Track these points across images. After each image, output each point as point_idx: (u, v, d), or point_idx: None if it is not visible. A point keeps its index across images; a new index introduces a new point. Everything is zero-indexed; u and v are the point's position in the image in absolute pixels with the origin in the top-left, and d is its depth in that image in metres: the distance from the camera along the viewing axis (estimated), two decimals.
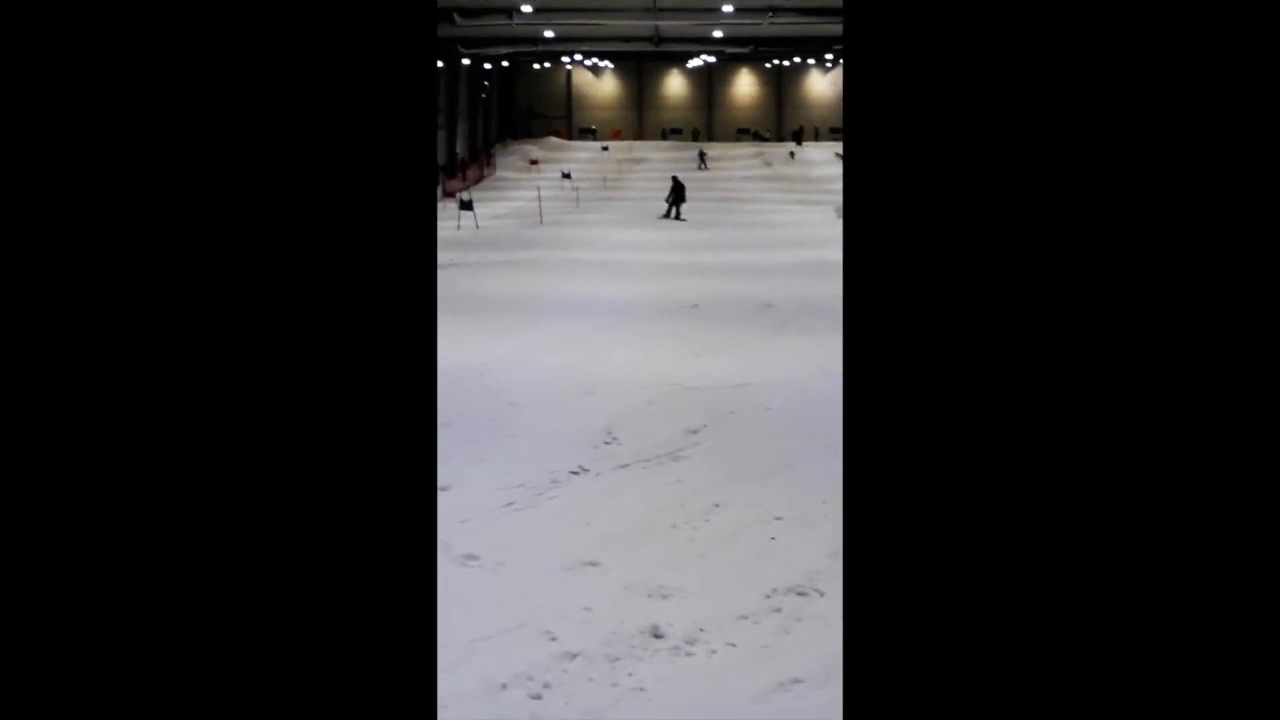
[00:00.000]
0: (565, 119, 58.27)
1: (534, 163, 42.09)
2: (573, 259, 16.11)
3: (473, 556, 4.67)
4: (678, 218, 22.55)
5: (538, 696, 3.50)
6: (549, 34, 37.27)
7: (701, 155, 43.64)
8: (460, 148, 43.41)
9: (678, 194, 23.52)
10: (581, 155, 45.92)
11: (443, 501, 5.33)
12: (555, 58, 50.46)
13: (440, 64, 39.75)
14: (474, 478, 5.71)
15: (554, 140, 51.95)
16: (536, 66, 54.58)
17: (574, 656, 3.74)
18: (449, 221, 20.37)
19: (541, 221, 22.19)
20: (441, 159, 39.74)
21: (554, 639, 3.87)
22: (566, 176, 35.46)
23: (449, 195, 28.55)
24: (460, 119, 44.06)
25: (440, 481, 5.55)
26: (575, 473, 5.84)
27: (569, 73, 57.74)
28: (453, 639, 3.76)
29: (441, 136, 41.09)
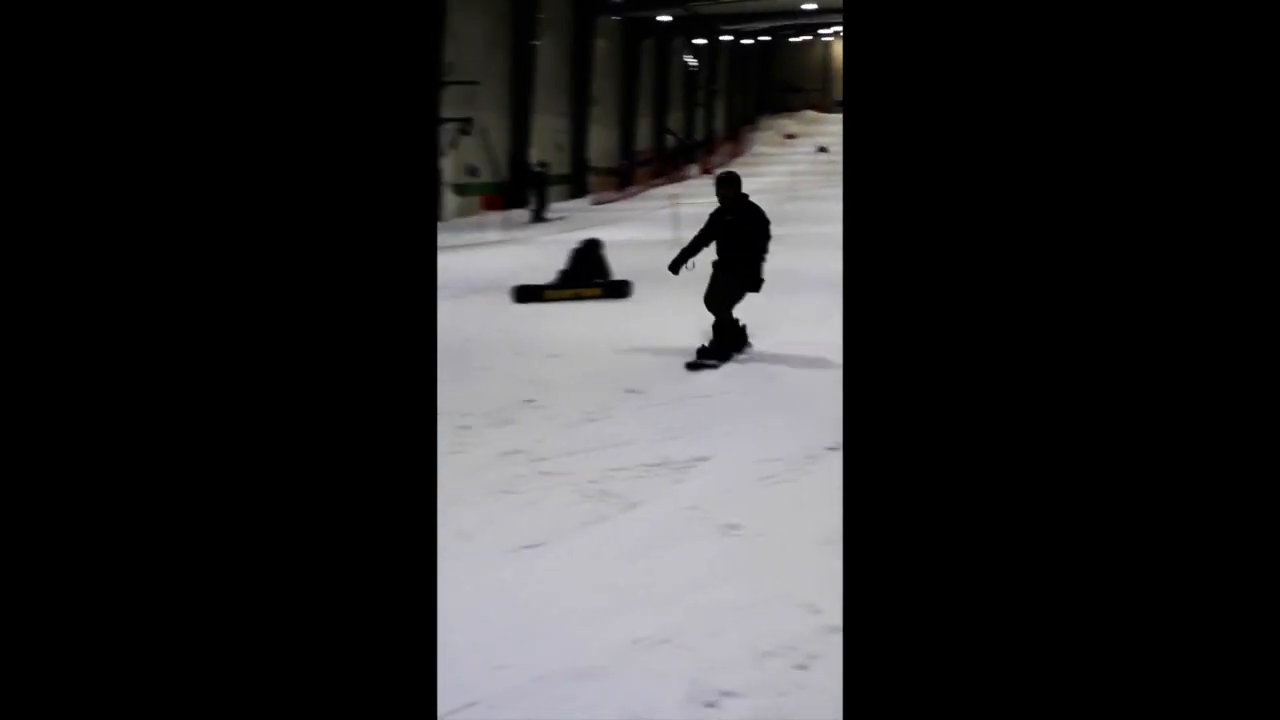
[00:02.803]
0: (822, 91, 57.62)
1: (790, 137, 41.84)
2: (826, 234, 16.04)
3: None
4: None
5: None
6: (808, 6, 36.98)
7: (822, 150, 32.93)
8: (721, 124, 43.76)
9: None
10: (838, 128, 45.19)
11: None
12: (813, 30, 49.89)
13: (704, 41, 40.26)
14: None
15: (810, 114, 51.53)
16: (794, 40, 54.24)
17: None
18: (711, 198, 20.70)
19: (794, 198, 22.24)
20: (700, 135, 40.34)
21: None
22: (823, 150, 34.93)
23: (706, 172, 29.12)
24: (719, 96, 44.40)
25: None
26: None
27: (826, 45, 56.97)
28: None
29: (700, 114, 41.68)
